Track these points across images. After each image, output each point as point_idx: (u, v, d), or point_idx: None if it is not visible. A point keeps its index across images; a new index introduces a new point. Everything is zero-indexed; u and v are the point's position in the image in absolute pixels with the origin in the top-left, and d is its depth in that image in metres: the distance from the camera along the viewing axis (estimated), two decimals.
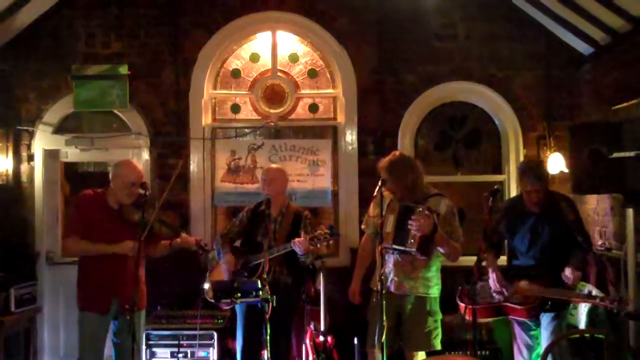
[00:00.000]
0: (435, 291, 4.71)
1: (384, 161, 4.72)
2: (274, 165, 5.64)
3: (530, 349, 4.73)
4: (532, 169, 4.63)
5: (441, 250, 4.56)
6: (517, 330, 4.78)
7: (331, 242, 4.87)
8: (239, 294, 4.60)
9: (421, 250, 4.46)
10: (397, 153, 4.85)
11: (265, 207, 5.10)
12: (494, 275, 4.65)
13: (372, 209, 4.90)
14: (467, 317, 4.64)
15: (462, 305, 4.80)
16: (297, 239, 4.86)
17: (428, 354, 4.63)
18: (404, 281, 4.64)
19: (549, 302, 4.47)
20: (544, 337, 4.58)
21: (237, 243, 5.41)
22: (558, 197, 4.66)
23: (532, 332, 4.71)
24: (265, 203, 5.18)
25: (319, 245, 4.84)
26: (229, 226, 5.45)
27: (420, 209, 4.42)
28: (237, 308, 5.16)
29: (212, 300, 5.12)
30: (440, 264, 4.74)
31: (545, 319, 4.57)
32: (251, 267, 5.09)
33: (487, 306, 4.68)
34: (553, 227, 4.55)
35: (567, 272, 4.41)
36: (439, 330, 4.72)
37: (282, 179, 5.30)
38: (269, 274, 4.88)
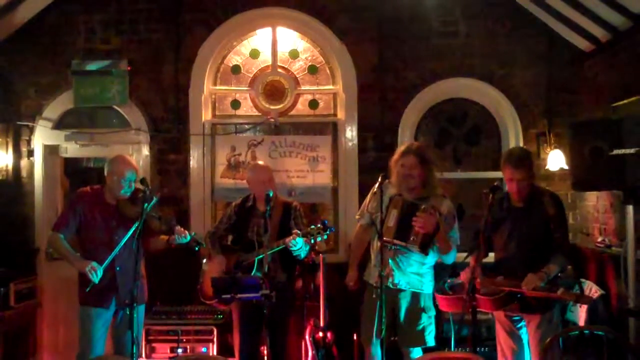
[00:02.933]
0: (429, 287, 4.73)
1: (413, 146, 4.81)
2: (260, 163, 5.59)
3: (514, 353, 4.60)
4: (512, 157, 4.50)
5: (438, 245, 4.56)
6: (499, 330, 4.71)
7: (325, 236, 4.83)
8: (239, 290, 4.61)
9: (422, 247, 4.47)
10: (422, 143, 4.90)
11: (253, 202, 5.07)
12: (467, 269, 4.52)
13: (371, 203, 4.89)
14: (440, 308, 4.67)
15: (437, 295, 4.68)
16: (290, 237, 4.83)
17: (423, 350, 4.65)
18: (399, 276, 4.65)
19: (518, 296, 4.31)
20: (533, 344, 4.43)
21: (228, 240, 5.40)
22: (543, 192, 4.55)
23: (516, 333, 4.59)
24: (253, 198, 5.17)
25: (312, 241, 4.83)
26: (217, 224, 5.45)
27: (425, 206, 4.44)
28: (233, 305, 5.14)
29: (207, 301, 5.13)
30: (435, 261, 4.75)
31: (532, 325, 4.43)
32: (244, 266, 5.06)
33: (458, 297, 4.46)
34: (532, 222, 4.44)
35: (529, 276, 4.26)
36: (433, 326, 4.74)
37: (272, 175, 5.32)
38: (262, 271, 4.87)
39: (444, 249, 4.60)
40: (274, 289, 4.75)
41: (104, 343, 4.79)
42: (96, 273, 4.51)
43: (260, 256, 4.88)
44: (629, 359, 4.18)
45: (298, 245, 4.82)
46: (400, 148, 4.85)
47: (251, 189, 5.33)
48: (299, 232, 4.83)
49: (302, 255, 5.05)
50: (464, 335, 5.17)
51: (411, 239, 4.49)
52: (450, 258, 4.68)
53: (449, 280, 4.66)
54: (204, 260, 5.36)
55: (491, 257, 4.82)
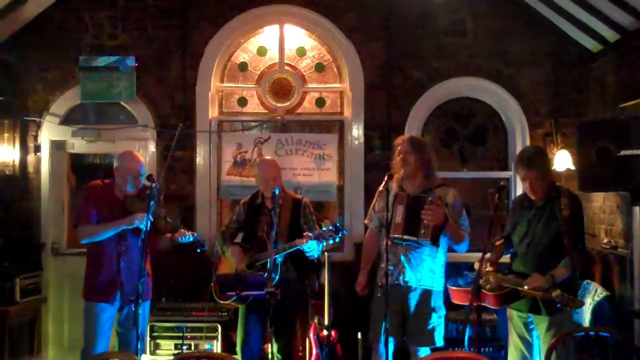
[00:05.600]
0: (440, 284, 4.70)
1: (407, 135, 4.76)
2: (267, 157, 5.55)
3: (523, 358, 4.53)
4: (524, 156, 4.44)
5: (449, 235, 4.57)
6: (510, 331, 4.66)
7: (337, 239, 4.77)
8: (244, 287, 4.60)
9: (433, 239, 4.46)
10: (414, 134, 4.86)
11: (262, 199, 5.07)
12: (482, 262, 4.40)
13: (377, 204, 4.88)
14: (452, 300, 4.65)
15: (451, 288, 4.67)
16: (302, 239, 4.78)
17: (431, 350, 4.63)
18: (410, 273, 4.63)
19: (520, 296, 4.28)
20: (543, 348, 4.34)
21: (238, 238, 5.32)
22: (562, 193, 4.40)
23: (526, 337, 4.52)
24: (262, 195, 5.15)
25: (325, 243, 4.81)
26: (227, 222, 5.38)
27: (431, 199, 4.43)
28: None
29: (221, 300, 5.09)
30: (446, 258, 4.74)
31: (541, 327, 4.38)
32: (257, 267, 4.97)
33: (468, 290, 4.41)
34: (547, 222, 4.38)
35: (534, 275, 4.24)
36: (442, 326, 4.71)
37: (279, 171, 5.24)
38: (276, 273, 4.84)
39: (456, 237, 4.60)
40: (286, 287, 4.76)
41: (109, 339, 4.79)
42: (145, 220, 4.41)
43: (272, 257, 4.84)
44: None
45: (312, 248, 4.78)
46: (397, 140, 4.86)
47: (258, 186, 5.28)
48: (310, 234, 4.77)
49: (315, 256, 5.02)
50: (468, 336, 5.16)
51: (422, 232, 4.47)
52: (463, 247, 4.66)
53: (465, 274, 4.64)
54: (217, 259, 5.32)
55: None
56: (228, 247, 5.14)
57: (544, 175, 4.39)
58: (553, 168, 6.27)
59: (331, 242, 4.75)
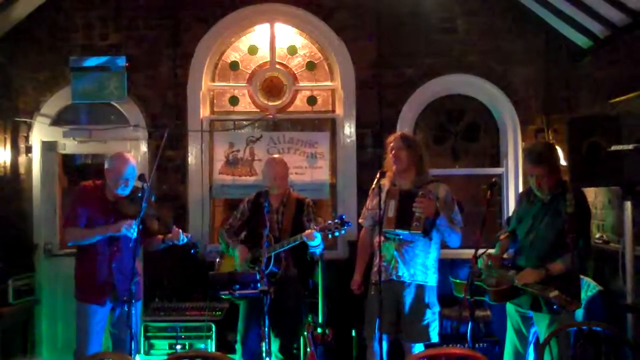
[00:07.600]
0: (433, 280, 4.71)
1: (398, 133, 4.85)
2: (276, 156, 5.55)
3: (517, 355, 4.55)
4: (531, 152, 4.43)
5: (442, 229, 4.59)
6: (508, 326, 4.67)
7: (343, 231, 4.77)
8: (237, 286, 4.60)
9: (426, 232, 4.48)
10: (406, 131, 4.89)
11: (264, 198, 5.07)
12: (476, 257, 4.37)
13: (370, 202, 4.90)
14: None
15: (454, 281, 4.70)
16: (308, 231, 4.79)
17: (425, 346, 4.64)
18: (403, 268, 4.64)
19: (520, 292, 4.29)
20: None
21: (242, 236, 5.31)
22: (568, 189, 4.34)
23: (523, 333, 4.53)
24: (264, 194, 5.15)
25: (330, 236, 4.80)
26: (231, 220, 5.36)
27: (422, 192, 4.46)
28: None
29: (225, 296, 5.09)
30: (439, 254, 4.75)
31: (542, 326, 4.36)
32: (261, 261, 4.93)
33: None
34: (552, 218, 4.35)
35: (526, 270, 4.27)
36: (437, 323, 4.72)
37: (287, 171, 5.27)
38: (280, 267, 4.85)
39: (449, 231, 4.62)
40: (287, 284, 4.76)
41: (101, 340, 4.79)
42: (132, 228, 4.46)
43: (277, 250, 4.86)
44: (626, 355, 4.18)
45: (317, 241, 4.78)
46: (389, 137, 4.90)
47: (264, 184, 5.25)
48: (316, 227, 4.78)
49: (318, 252, 5.05)
50: (462, 332, 5.17)
51: (414, 225, 4.49)
52: (456, 241, 4.68)
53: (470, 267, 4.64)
54: (217, 259, 5.35)
55: None
56: (234, 246, 5.14)
57: (551, 172, 4.36)
58: None
59: (337, 234, 4.75)
